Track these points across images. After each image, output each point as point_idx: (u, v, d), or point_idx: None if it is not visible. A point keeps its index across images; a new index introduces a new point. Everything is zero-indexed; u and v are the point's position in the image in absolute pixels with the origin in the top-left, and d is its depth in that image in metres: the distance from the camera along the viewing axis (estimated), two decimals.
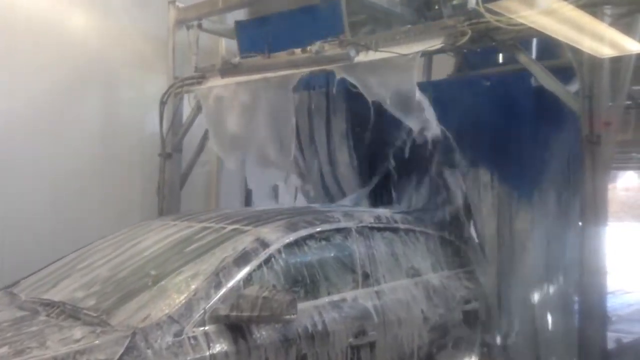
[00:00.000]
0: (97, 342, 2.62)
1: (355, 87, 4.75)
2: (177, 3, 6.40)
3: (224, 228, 3.63)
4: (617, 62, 4.07)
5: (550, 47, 4.51)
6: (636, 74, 4.35)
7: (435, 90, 4.69)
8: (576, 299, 4.43)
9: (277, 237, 3.41)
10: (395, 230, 4.15)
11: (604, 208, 4.04)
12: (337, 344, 3.31)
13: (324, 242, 3.66)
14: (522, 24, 3.87)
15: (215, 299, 2.96)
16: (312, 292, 3.40)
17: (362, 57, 4.60)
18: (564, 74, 4.27)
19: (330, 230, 3.71)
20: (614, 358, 4.73)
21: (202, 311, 2.88)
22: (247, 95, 5.50)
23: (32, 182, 5.61)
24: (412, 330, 3.78)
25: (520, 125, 4.58)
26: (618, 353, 5.06)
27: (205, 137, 6.52)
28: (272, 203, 6.21)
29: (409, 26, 4.55)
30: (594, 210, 4.02)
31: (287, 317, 2.89)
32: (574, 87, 4.32)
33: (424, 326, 3.87)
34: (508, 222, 4.61)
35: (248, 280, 3.12)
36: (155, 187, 6.33)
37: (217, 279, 3.04)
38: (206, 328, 2.86)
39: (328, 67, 4.81)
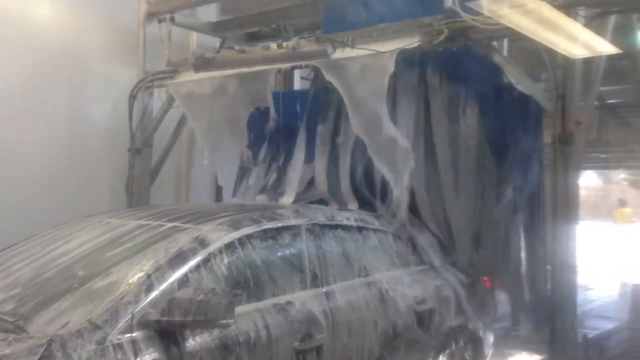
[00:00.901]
0: (7, 351, 2.37)
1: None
2: None
3: (162, 226, 3.40)
4: (588, 63, 4.16)
5: None
6: (603, 75, 4.47)
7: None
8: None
9: (217, 236, 3.19)
10: (347, 229, 3.97)
11: (574, 206, 4.13)
12: (280, 349, 3.12)
13: (270, 241, 3.45)
14: (497, 24, 3.91)
15: (145, 302, 2.72)
16: (255, 294, 3.19)
17: (339, 54, 4.59)
18: None
19: (277, 229, 3.50)
20: (580, 353, 4.84)
21: (130, 316, 2.65)
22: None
23: None
24: (362, 333, 3.60)
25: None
26: (583, 348, 5.18)
27: (176, 133, 6.44)
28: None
29: (386, 24, 4.54)
30: (565, 208, 4.10)
31: (224, 322, 2.71)
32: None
33: (375, 328, 3.68)
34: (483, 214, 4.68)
35: (184, 282, 2.90)
36: (124, 183, 6.21)
37: (148, 281, 2.81)
38: (134, 335, 2.63)
39: (304, 63, 4.78)
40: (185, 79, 5.67)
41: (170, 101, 6.07)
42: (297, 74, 7.64)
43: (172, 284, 2.86)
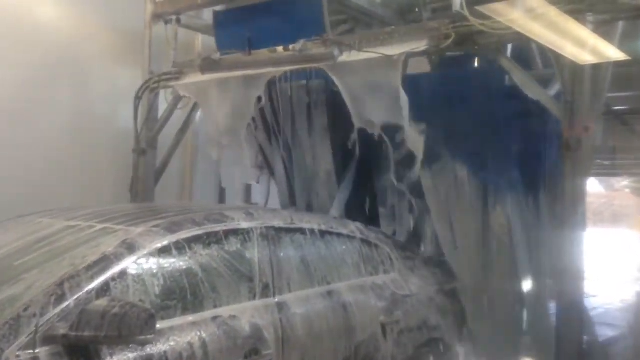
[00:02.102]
0: None
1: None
2: None
3: (92, 227, 3.07)
4: (597, 68, 4.15)
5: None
6: (610, 81, 4.45)
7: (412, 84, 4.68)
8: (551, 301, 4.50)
9: (150, 240, 2.87)
10: (308, 233, 3.68)
11: (582, 213, 4.10)
12: None
13: (214, 246, 3.12)
14: (505, 28, 3.90)
15: (53, 315, 2.41)
16: (192, 306, 2.88)
17: (346, 57, 4.58)
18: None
19: (224, 232, 3.19)
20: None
21: (33, 330, 2.35)
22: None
23: (0, 178, 5.43)
24: (319, 348, 3.32)
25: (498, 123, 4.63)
26: (588, 355, 5.15)
27: (181, 134, 6.43)
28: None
29: (393, 27, 4.54)
30: (573, 214, 4.08)
31: (142, 337, 2.41)
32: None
33: (335, 343, 3.41)
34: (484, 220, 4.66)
35: (105, 291, 2.59)
36: (129, 184, 6.20)
37: (59, 290, 2.49)
38: (37, 351, 2.34)
39: (311, 66, 4.78)
40: (191, 81, 5.67)
41: (175, 102, 6.07)
42: None
43: (88, 293, 2.55)
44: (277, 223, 3.51)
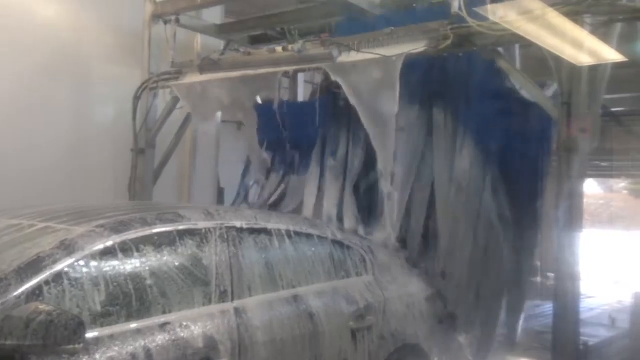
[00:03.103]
0: None
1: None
2: None
3: (33, 226, 2.89)
4: (594, 70, 4.16)
5: None
6: (607, 83, 4.47)
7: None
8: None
9: (91, 240, 2.67)
10: (274, 234, 3.47)
11: (579, 214, 4.12)
12: None
13: (165, 248, 2.92)
14: (504, 30, 3.92)
15: None
16: (137, 312, 2.67)
17: (345, 57, 4.59)
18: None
19: (177, 232, 2.99)
20: None
21: None
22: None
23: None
24: (281, 355, 3.14)
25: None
26: (584, 355, 5.17)
27: (179, 133, 6.45)
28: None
29: (392, 28, 4.55)
30: (569, 216, 4.09)
31: (70, 347, 2.25)
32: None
33: (298, 348, 3.24)
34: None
35: (36, 296, 2.41)
36: (127, 183, 6.21)
37: None
38: None
39: (310, 66, 4.79)
40: (190, 80, 5.68)
41: (174, 102, 6.08)
42: (300, 77, 7.67)
43: (17, 298, 2.35)
44: (239, 223, 3.31)
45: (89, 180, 6.19)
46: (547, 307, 5.73)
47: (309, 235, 3.70)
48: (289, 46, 4.73)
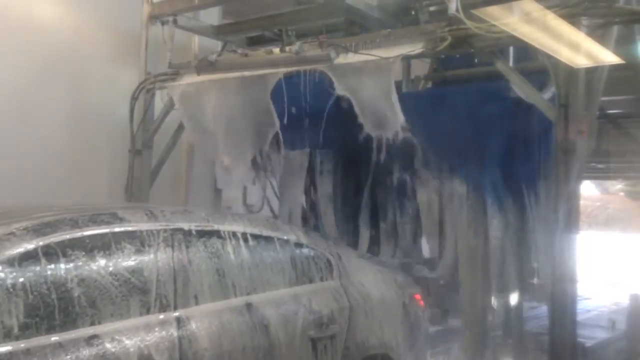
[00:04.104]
0: None
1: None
2: None
3: None
4: (591, 72, 4.17)
5: None
6: (604, 85, 4.48)
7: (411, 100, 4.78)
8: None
9: (9, 244, 2.44)
10: (228, 237, 3.22)
11: (575, 216, 4.13)
12: None
13: (99, 252, 2.66)
14: (501, 32, 3.93)
15: None
16: (61, 324, 2.43)
17: (342, 59, 4.60)
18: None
19: (112, 235, 2.73)
20: None
21: None
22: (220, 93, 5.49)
23: None
24: None
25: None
26: (582, 357, 5.18)
27: (176, 134, 6.44)
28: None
29: (389, 30, 4.56)
30: (565, 217, 4.10)
31: None
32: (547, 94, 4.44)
33: None
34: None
35: None
36: (124, 184, 6.20)
37: None
38: None
39: (307, 68, 4.79)
40: (187, 81, 5.68)
41: (171, 103, 6.08)
42: None
43: None
44: (188, 225, 3.06)
45: (85, 181, 6.17)
46: (544, 309, 5.73)
47: (268, 239, 3.43)
48: (287, 48, 4.74)
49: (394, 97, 4.45)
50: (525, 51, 4.74)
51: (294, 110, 5.38)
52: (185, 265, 2.93)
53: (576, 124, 4.05)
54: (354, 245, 5.62)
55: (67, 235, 2.59)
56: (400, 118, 4.46)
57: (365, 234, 5.61)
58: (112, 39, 6.45)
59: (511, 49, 5.06)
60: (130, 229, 2.82)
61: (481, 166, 4.75)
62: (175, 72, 5.87)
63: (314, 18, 6.15)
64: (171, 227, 2.98)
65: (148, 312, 2.72)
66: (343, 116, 5.02)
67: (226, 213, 3.64)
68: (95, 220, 2.75)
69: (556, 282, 4.08)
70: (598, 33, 4.03)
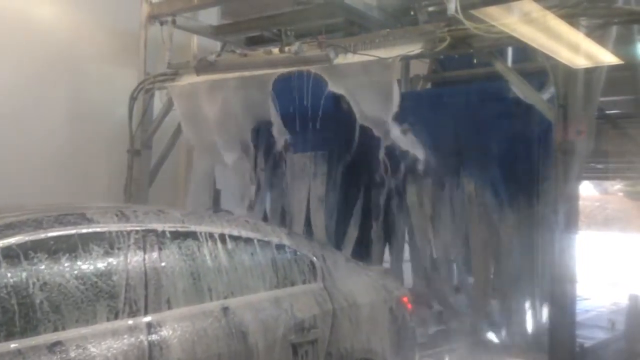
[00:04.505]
0: None
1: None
2: None
3: None
4: (589, 72, 4.17)
5: None
6: (603, 85, 4.48)
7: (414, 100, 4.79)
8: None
9: None
10: (204, 238, 3.08)
11: (575, 216, 4.13)
12: None
13: (64, 255, 2.54)
14: (500, 32, 3.92)
15: None
16: (22, 330, 2.32)
17: (341, 59, 4.60)
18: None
19: (78, 237, 2.61)
20: None
21: None
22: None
23: None
24: None
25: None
26: (581, 357, 5.18)
27: (175, 135, 6.43)
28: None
29: (388, 30, 4.56)
30: (565, 218, 4.10)
31: None
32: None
33: None
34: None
35: None
36: (123, 184, 6.20)
37: None
38: None
39: (306, 68, 4.79)
40: (186, 82, 5.67)
41: (170, 103, 6.08)
42: None
43: None
44: (161, 227, 2.92)
45: (85, 181, 6.17)
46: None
47: (248, 240, 3.28)
48: (286, 48, 4.74)
49: (395, 97, 4.46)
50: (523, 52, 4.75)
51: (292, 111, 5.39)
52: (157, 268, 2.79)
53: (575, 124, 4.05)
54: (349, 247, 5.63)
55: (29, 237, 2.48)
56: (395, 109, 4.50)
57: (353, 236, 5.61)
58: (111, 39, 6.45)
59: (509, 50, 5.06)
60: (98, 230, 2.69)
61: (480, 166, 4.75)
62: (174, 72, 5.87)
63: (313, 18, 6.15)
64: (143, 228, 2.84)
65: (116, 317, 2.59)
66: (341, 118, 5.02)
67: (204, 214, 3.37)
68: (61, 221, 2.63)
69: (556, 282, 4.08)
70: (597, 33, 4.03)
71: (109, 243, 2.69)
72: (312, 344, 3.27)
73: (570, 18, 3.84)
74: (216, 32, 6.92)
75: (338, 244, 5.50)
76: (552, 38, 3.84)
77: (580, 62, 4.01)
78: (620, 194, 21.07)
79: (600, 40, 4.00)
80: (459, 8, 4.04)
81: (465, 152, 4.83)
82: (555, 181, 4.14)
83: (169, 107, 6.09)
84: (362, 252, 5.62)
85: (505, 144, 4.75)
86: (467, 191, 4.78)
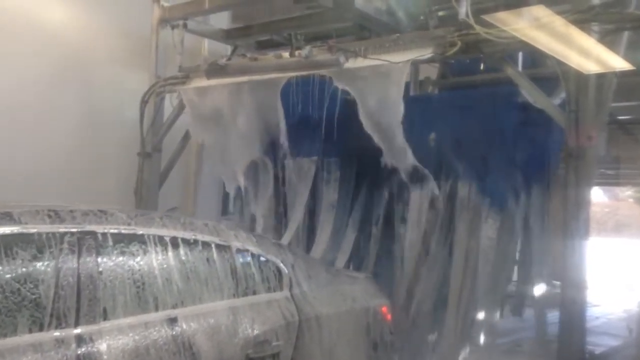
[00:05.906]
0: None
1: None
2: (161, 2, 6.33)
3: None
4: (601, 78, 4.15)
5: None
6: (614, 91, 4.46)
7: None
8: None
9: None
10: (151, 242, 2.82)
11: (585, 222, 4.10)
12: None
13: None
14: (511, 37, 3.91)
15: None
16: None
17: (351, 63, 4.60)
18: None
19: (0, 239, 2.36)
20: None
21: None
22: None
23: (7, 179, 5.45)
24: None
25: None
26: None
27: (186, 138, 6.47)
28: None
29: (398, 34, 4.56)
30: (576, 224, 4.07)
31: None
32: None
33: None
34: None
35: None
36: (133, 186, 6.22)
37: None
38: None
39: (316, 72, 4.80)
40: (197, 85, 5.70)
41: (181, 106, 6.11)
42: None
43: None
44: (102, 228, 2.67)
45: (95, 183, 6.21)
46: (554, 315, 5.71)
47: (205, 244, 3.02)
48: (296, 52, 4.75)
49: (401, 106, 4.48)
50: (532, 57, 4.74)
51: (301, 116, 5.40)
52: (93, 275, 2.54)
53: (586, 130, 4.03)
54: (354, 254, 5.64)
55: None
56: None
57: (351, 239, 5.59)
58: (123, 43, 6.50)
59: (520, 56, 5.05)
60: (24, 231, 2.43)
61: (488, 170, 4.73)
62: (185, 76, 5.91)
63: (323, 22, 6.16)
64: (79, 230, 2.59)
65: (41, 329, 2.34)
66: (351, 124, 5.03)
67: (154, 215, 3.07)
68: None
69: (566, 288, 4.06)
70: (608, 39, 4.01)
71: (35, 246, 2.44)
72: (272, 358, 3.04)
73: (582, 23, 3.82)
74: (227, 35, 6.94)
75: (344, 250, 5.51)
76: (564, 43, 3.82)
77: (591, 67, 3.99)
78: (631, 200, 20.91)
79: (612, 46, 3.98)
80: (470, 13, 4.04)
81: (471, 156, 4.81)
82: (566, 187, 4.12)
83: (179, 110, 6.12)
84: (362, 258, 5.63)
85: (513, 148, 4.72)
86: (460, 196, 4.76)
